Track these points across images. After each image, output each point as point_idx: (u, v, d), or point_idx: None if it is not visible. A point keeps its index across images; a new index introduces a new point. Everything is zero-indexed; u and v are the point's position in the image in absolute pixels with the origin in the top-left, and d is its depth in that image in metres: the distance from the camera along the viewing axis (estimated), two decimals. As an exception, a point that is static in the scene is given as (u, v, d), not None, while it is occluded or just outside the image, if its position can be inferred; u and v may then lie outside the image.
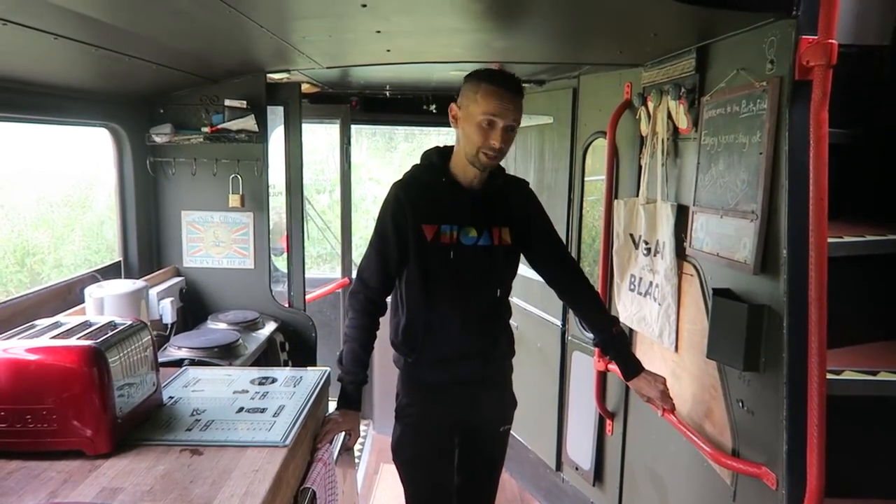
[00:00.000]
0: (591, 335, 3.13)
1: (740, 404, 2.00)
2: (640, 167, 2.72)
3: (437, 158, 2.24)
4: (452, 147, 2.24)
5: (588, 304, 2.40)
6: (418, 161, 2.29)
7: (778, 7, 1.69)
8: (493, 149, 2.08)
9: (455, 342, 2.23)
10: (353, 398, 2.22)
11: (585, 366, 3.28)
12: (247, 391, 2.14)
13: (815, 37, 1.63)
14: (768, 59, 1.82)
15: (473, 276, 2.20)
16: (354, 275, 2.30)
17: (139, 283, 2.77)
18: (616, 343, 2.36)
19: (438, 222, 2.16)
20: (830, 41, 1.59)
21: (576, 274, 2.40)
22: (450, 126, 2.19)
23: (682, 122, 2.37)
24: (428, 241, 2.15)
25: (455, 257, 2.16)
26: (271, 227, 3.45)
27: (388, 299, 2.31)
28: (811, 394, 1.62)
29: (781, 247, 1.76)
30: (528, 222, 2.31)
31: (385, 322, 2.30)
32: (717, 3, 1.69)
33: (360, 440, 4.66)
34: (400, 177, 2.25)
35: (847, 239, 2.00)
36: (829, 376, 1.69)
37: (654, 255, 2.55)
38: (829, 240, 1.71)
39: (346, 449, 2.35)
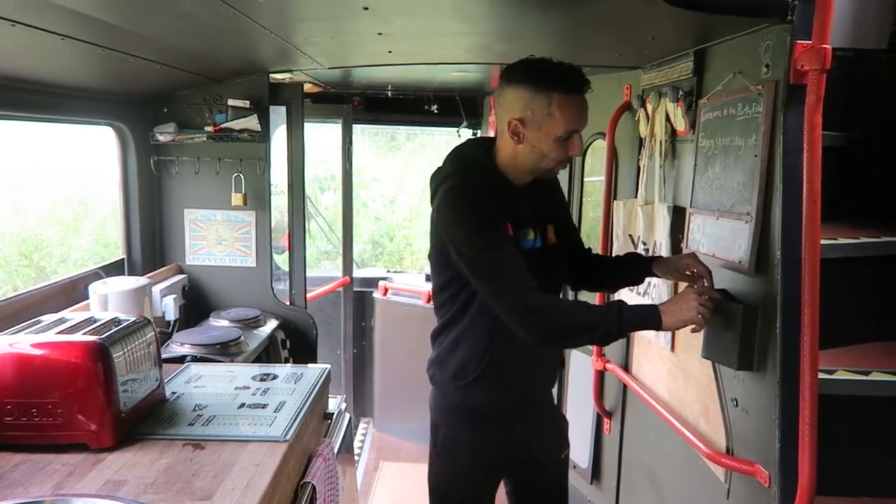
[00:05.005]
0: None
1: (734, 403, 2.02)
2: (638, 168, 2.75)
3: (482, 153, 2.01)
4: (489, 139, 2.05)
5: (602, 267, 2.24)
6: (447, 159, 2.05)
7: (773, 12, 1.71)
8: (572, 158, 1.94)
9: (520, 364, 2.02)
10: (643, 306, 1.93)
11: (583, 365, 3.31)
12: (248, 387, 2.17)
13: (810, 42, 1.65)
14: (764, 63, 1.85)
15: (543, 283, 1.91)
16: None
17: (142, 281, 2.80)
18: (629, 259, 2.20)
19: (509, 223, 1.92)
20: (824, 46, 1.61)
21: (590, 259, 2.25)
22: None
23: (680, 124, 2.39)
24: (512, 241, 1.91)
25: (527, 263, 1.89)
26: (273, 225, 3.48)
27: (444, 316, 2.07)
28: (803, 393, 1.64)
29: (775, 248, 1.78)
30: (562, 215, 2.15)
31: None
32: (712, 9, 1.71)
33: (360, 438, 4.69)
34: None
35: (841, 241, 2.02)
36: (822, 376, 1.72)
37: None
38: (824, 242, 1.73)
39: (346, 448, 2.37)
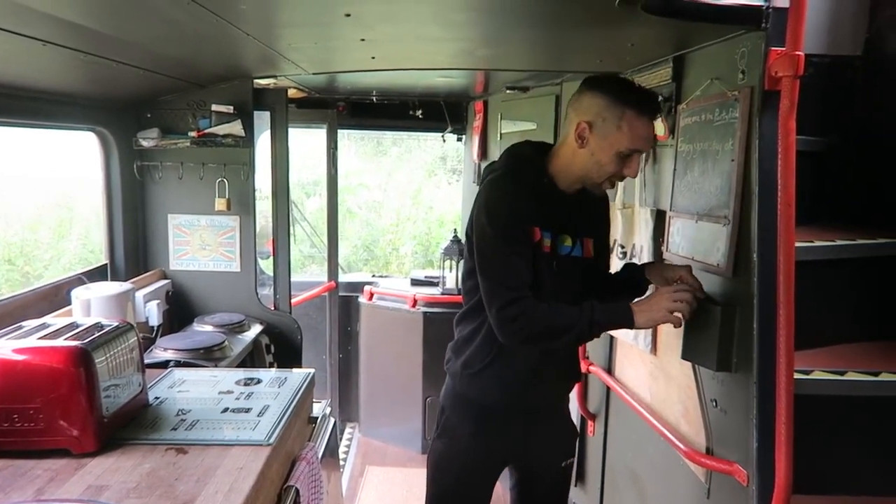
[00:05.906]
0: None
1: (714, 404, 2.05)
2: (620, 173, 2.78)
3: (535, 154, 2.05)
4: (546, 144, 2.10)
5: (609, 285, 2.22)
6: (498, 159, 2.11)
7: (748, 20, 1.75)
8: (625, 177, 1.99)
9: (529, 365, 2.06)
10: (616, 305, 1.94)
11: (568, 368, 3.34)
12: (232, 392, 2.16)
13: (784, 48, 1.68)
14: (740, 69, 1.88)
15: (569, 290, 2.00)
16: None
17: (126, 286, 2.79)
18: (626, 270, 2.23)
19: (540, 226, 1.97)
20: (797, 53, 1.65)
21: (604, 280, 2.23)
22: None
23: (660, 129, 2.42)
24: (535, 244, 1.96)
25: (557, 268, 1.99)
26: (258, 230, 3.48)
27: (470, 303, 2.10)
28: (779, 393, 1.67)
29: (753, 251, 1.82)
30: (603, 235, 2.19)
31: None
32: (688, 16, 1.74)
33: (345, 442, 4.69)
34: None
35: (817, 243, 2.06)
36: (799, 376, 1.75)
37: (630, 259, 2.60)
38: (800, 244, 1.77)
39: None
